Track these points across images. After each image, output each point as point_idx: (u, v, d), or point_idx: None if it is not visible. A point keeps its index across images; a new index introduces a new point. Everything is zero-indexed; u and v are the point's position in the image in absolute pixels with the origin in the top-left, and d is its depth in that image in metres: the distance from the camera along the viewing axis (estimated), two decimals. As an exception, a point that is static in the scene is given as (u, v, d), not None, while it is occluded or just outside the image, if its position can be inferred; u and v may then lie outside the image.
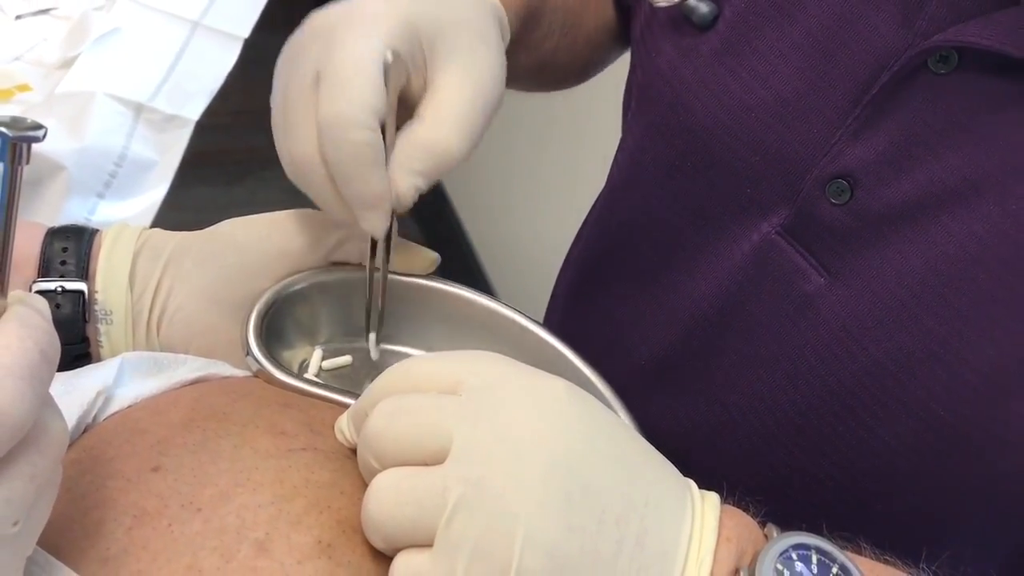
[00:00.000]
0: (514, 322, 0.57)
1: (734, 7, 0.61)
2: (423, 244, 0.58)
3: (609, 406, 0.54)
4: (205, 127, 0.93)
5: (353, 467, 0.44)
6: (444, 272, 0.59)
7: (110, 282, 0.54)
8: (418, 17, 0.51)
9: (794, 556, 0.40)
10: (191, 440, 0.44)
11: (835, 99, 0.56)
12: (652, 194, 0.66)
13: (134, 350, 0.54)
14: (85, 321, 0.53)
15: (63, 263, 0.53)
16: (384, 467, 0.40)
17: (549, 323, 0.79)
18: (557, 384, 0.41)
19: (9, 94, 0.94)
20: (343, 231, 0.56)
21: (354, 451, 0.44)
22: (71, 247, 0.54)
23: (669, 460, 0.43)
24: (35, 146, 0.32)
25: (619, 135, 0.74)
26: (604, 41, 0.79)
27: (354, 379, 0.57)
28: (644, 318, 0.68)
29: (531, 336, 0.57)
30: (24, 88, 0.95)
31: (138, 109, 0.90)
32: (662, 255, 0.66)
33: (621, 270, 0.71)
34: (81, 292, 0.53)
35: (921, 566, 0.44)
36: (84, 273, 0.53)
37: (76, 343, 0.54)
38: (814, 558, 0.40)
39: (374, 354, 0.57)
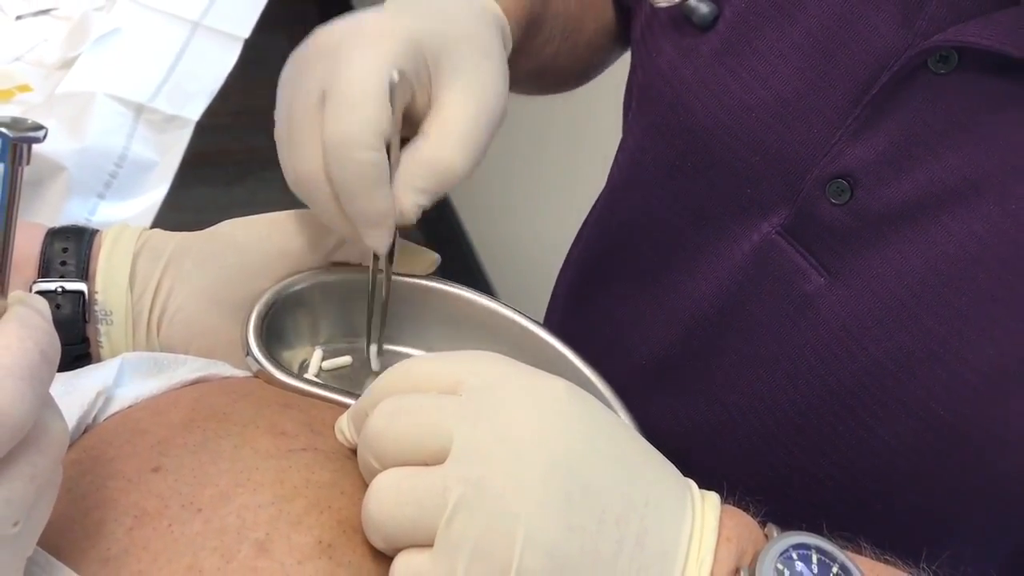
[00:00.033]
0: (514, 322, 0.57)
1: (734, 7, 0.61)
2: (423, 244, 0.58)
3: (609, 406, 0.54)
4: (205, 127, 0.93)
5: (353, 467, 0.44)
6: (444, 272, 0.59)
7: (110, 282, 0.54)
8: (422, 34, 0.51)
9: (794, 556, 0.40)
10: (191, 440, 0.44)
11: (835, 99, 0.56)
12: (652, 194, 0.66)
13: (134, 350, 0.54)
14: (85, 321, 0.53)
15: (63, 263, 0.53)
16: (384, 467, 0.40)
17: (549, 323, 0.79)
18: (557, 384, 0.41)
19: (9, 94, 0.94)
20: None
21: (354, 451, 0.44)
22: (71, 247, 0.54)
23: (669, 460, 0.43)
24: (35, 147, 0.32)
25: (619, 135, 0.74)
26: (604, 44, 0.80)
27: (354, 379, 0.57)
28: (644, 318, 0.68)
29: (531, 336, 0.57)
30: (24, 88, 0.95)
31: (138, 109, 0.90)
32: (662, 255, 0.66)
33: (621, 270, 0.71)
34: (81, 292, 0.53)
35: (921, 566, 0.44)
36: (84, 273, 0.53)
37: (76, 343, 0.54)
38: (814, 558, 0.40)
39: (375, 365, 0.57)
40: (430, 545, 0.38)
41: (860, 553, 0.44)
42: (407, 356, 0.58)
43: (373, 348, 0.57)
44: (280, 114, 0.53)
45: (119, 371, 0.48)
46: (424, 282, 0.58)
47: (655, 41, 0.66)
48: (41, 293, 0.52)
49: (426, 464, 0.39)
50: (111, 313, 0.54)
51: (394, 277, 0.57)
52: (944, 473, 0.57)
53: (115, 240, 0.55)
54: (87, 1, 1.00)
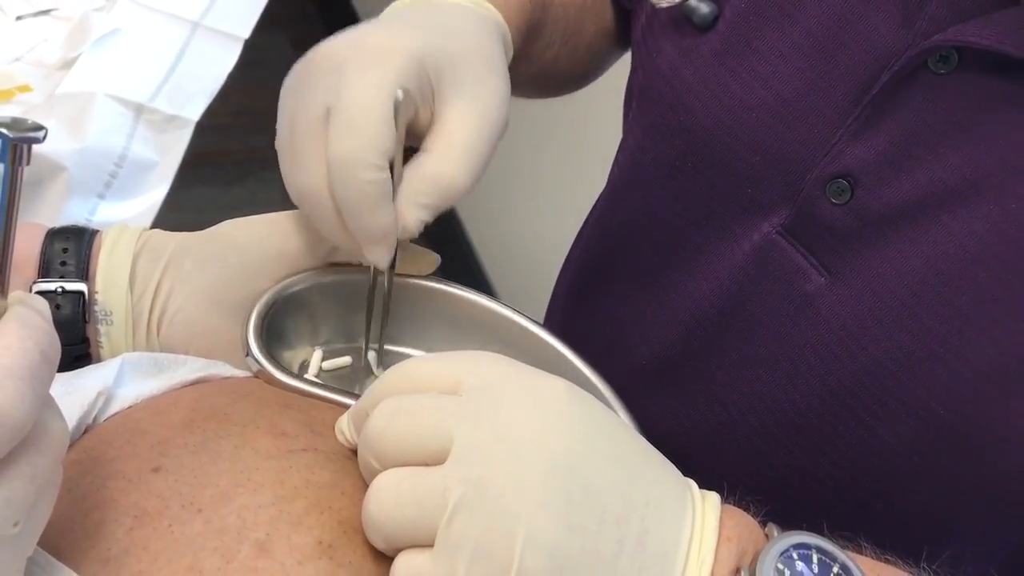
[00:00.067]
0: (514, 323, 0.57)
1: (734, 7, 0.61)
2: (423, 244, 0.58)
3: (609, 406, 0.54)
4: (205, 128, 0.93)
5: (354, 468, 0.44)
6: (445, 272, 0.59)
7: (110, 283, 0.54)
8: (425, 51, 0.51)
9: (795, 555, 0.40)
10: (192, 441, 0.44)
11: (835, 99, 0.56)
12: (653, 194, 0.66)
13: (134, 351, 0.54)
14: (85, 322, 0.53)
15: (63, 264, 0.53)
16: (385, 467, 0.40)
17: (550, 323, 0.79)
18: (557, 384, 0.41)
19: (10, 95, 0.94)
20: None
21: (355, 452, 0.44)
22: (71, 248, 0.54)
23: (669, 460, 0.43)
24: (35, 147, 0.32)
25: (619, 135, 0.74)
26: (604, 46, 0.80)
27: (354, 380, 0.57)
28: (644, 318, 0.68)
29: (531, 336, 0.57)
30: (25, 89, 0.95)
31: (138, 110, 0.90)
32: (663, 255, 0.66)
33: (622, 270, 0.71)
34: (81, 293, 0.53)
35: (922, 565, 0.44)
36: (84, 274, 0.53)
37: (76, 344, 0.53)
38: (815, 557, 0.40)
39: (374, 368, 0.57)
40: (430, 545, 0.38)
41: (861, 553, 0.44)
42: (407, 356, 0.58)
43: (372, 354, 0.57)
44: (283, 126, 0.53)
45: (119, 371, 0.48)
46: (424, 282, 0.58)
47: (655, 41, 0.66)
48: (41, 293, 0.52)
49: (426, 464, 0.39)
50: (111, 313, 0.54)
51: (395, 278, 0.57)
52: (944, 472, 0.57)
53: (115, 240, 0.55)
54: (87, 1, 1.00)
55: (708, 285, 0.63)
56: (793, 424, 0.60)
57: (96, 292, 0.53)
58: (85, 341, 0.54)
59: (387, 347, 0.58)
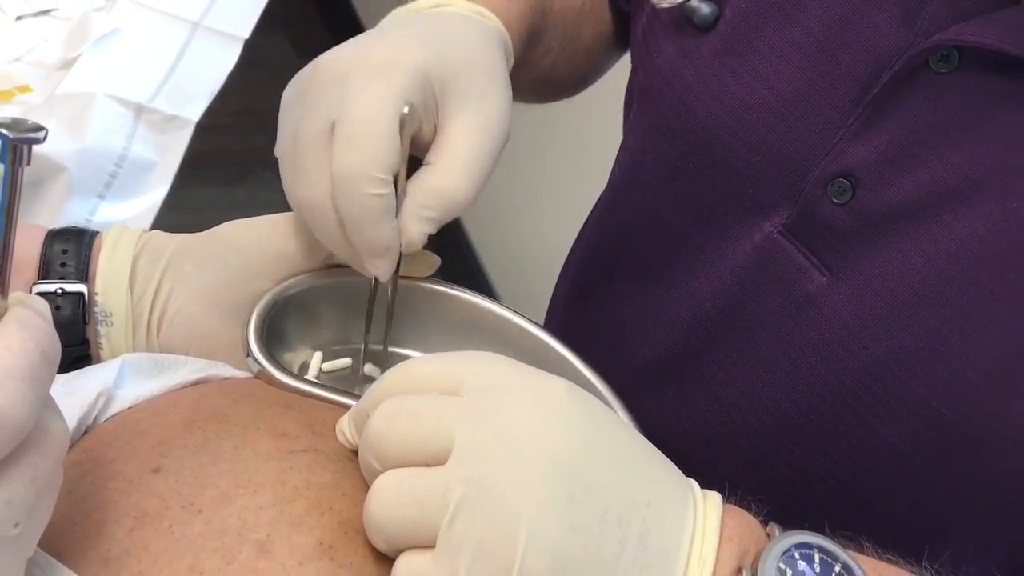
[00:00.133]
0: (514, 324, 0.57)
1: (735, 8, 0.61)
2: (424, 246, 0.58)
3: (609, 406, 0.54)
4: (205, 128, 0.93)
5: (354, 468, 0.44)
6: (445, 274, 0.59)
7: (110, 284, 0.54)
8: (430, 64, 0.51)
9: (796, 555, 0.40)
10: (192, 441, 0.43)
11: (836, 99, 0.56)
12: (654, 194, 0.66)
13: (134, 352, 0.54)
14: (85, 323, 0.53)
15: (63, 265, 0.53)
16: (386, 468, 0.40)
17: (550, 324, 0.79)
18: (558, 384, 0.41)
19: (9, 95, 0.94)
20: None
21: (355, 452, 0.44)
22: (71, 249, 0.54)
23: (670, 460, 0.43)
24: (35, 147, 0.32)
25: (620, 136, 0.74)
26: (602, 50, 0.80)
27: (354, 381, 0.57)
28: (646, 318, 0.68)
29: (531, 338, 0.57)
30: (25, 89, 0.95)
31: (138, 110, 0.90)
32: (664, 255, 0.66)
33: (623, 270, 0.71)
34: (81, 294, 0.53)
35: (923, 564, 0.44)
36: (84, 275, 0.53)
37: (76, 345, 0.53)
38: (816, 557, 0.40)
39: (370, 369, 0.57)
40: (432, 546, 0.38)
41: (862, 552, 0.44)
42: (408, 358, 0.58)
43: (368, 366, 0.57)
44: (285, 138, 0.53)
45: (119, 372, 0.48)
46: (425, 284, 0.58)
47: (656, 42, 0.66)
48: (41, 294, 0.52)
49: (427, 465, 0.39)
50: (111, 314, 0.54)
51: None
52: (946, 471, 0.57)
53: (115, 241, 0.55)
54: (87, 1, 1.00)
55: (709, 285, 0.63)
56: (794, 424, 0.60)
57: (96, 293, 0.53)
58: (85, 342, 0.54)
59: (390, 349, 0.58)
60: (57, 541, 0.39)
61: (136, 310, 0.54)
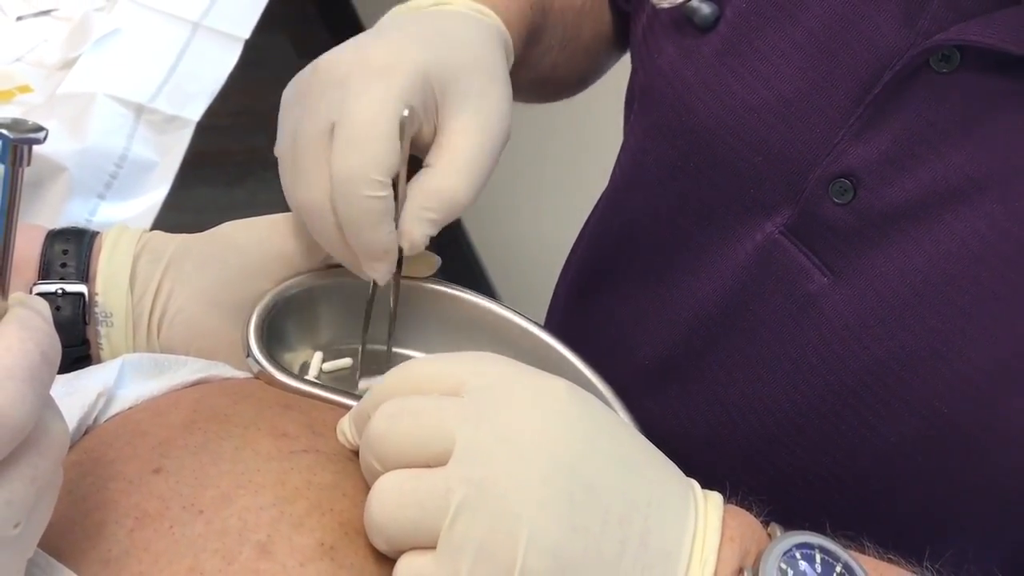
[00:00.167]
0: (515, 324, 0.57)
1: (736, 8, 0.61)
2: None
3: (610, 407, 0.54)
4: (206, 128, 0.93)
5: (355, 469, 0.44)
6: (445, 274, 0.59)
7: (111, 284, 0.54)
8: (430, 66, 0.51)
9: (798, 555, 0.40)
10: (192, 442, 0.43)
11: (837, 99, 0.56)
12: (655, 194, 0.66)
13: (135, 352, 0.54)
14: (85, 323, 0.53)
15: (63, 265, 0.53)
16: (387, 469, 0.40)
17: (551, 324, 0.79)
18: (558, 384, 0.41)
19: (10, 95, 0.94)
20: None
21: (356, 453, 0.44)
22: (71, 249, 0.54)
23: (671, 460, 0.42)
24: (36, 147, 0.32)
25: (620, 136, 0.74)
26: (602, 50, 0.80)
27: (354, 382, 0.57)
28: (647, 318, 0.68)
29: (532, 338, 0.57)
30: (25, 89, 0.95)
31: (139, 110, 0.90)
32: (665, 255, 0.66)
33: (624, 270, 0.71)
34: (81, 294, 0.53)
35: (925, 564, 0.44)
36: (84, 275, 0.53)
37: (76, 345, 0.53)
38: (818, 557, 0.40)
39: (364, 372, 0.58)
40: (433, 547, 0.38)
41: (864, 552, 0.44)
42: (408, 358, 0.58)
43: (363, 383, 0.57)
44: (284, 139, 0.53)
45: (120, 372, 0.48)
46: (425, 284, 0.58)
47: (656, 42, 0.66)
48: (41, 295, 0.52)
49: (428, 466, 0.39)
50: (111, 315, 0.54)
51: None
52: (947, 471, 0.57)
53: (115, 242, 0.55)
54: (87, 2, 1.00)
55: (711, 285, 0.63)
56: (795, 424, 0.60)
57: (96, 294, 0.53)
58: (85, 343, 0.54)
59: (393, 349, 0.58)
60: (57, 541, 0.39)
61: (136, 310, 0.54)
